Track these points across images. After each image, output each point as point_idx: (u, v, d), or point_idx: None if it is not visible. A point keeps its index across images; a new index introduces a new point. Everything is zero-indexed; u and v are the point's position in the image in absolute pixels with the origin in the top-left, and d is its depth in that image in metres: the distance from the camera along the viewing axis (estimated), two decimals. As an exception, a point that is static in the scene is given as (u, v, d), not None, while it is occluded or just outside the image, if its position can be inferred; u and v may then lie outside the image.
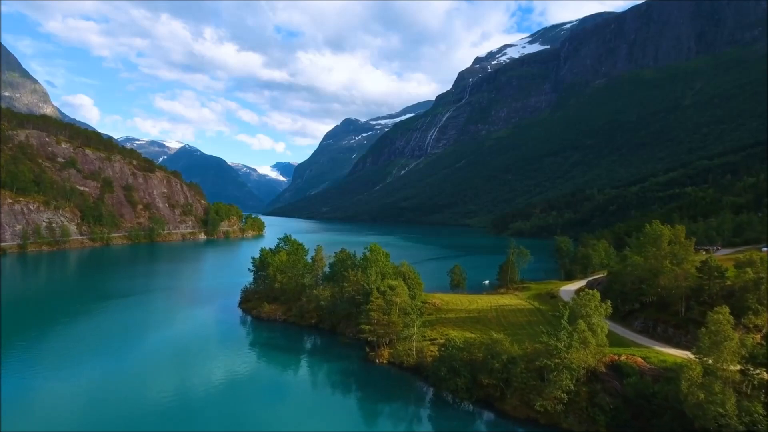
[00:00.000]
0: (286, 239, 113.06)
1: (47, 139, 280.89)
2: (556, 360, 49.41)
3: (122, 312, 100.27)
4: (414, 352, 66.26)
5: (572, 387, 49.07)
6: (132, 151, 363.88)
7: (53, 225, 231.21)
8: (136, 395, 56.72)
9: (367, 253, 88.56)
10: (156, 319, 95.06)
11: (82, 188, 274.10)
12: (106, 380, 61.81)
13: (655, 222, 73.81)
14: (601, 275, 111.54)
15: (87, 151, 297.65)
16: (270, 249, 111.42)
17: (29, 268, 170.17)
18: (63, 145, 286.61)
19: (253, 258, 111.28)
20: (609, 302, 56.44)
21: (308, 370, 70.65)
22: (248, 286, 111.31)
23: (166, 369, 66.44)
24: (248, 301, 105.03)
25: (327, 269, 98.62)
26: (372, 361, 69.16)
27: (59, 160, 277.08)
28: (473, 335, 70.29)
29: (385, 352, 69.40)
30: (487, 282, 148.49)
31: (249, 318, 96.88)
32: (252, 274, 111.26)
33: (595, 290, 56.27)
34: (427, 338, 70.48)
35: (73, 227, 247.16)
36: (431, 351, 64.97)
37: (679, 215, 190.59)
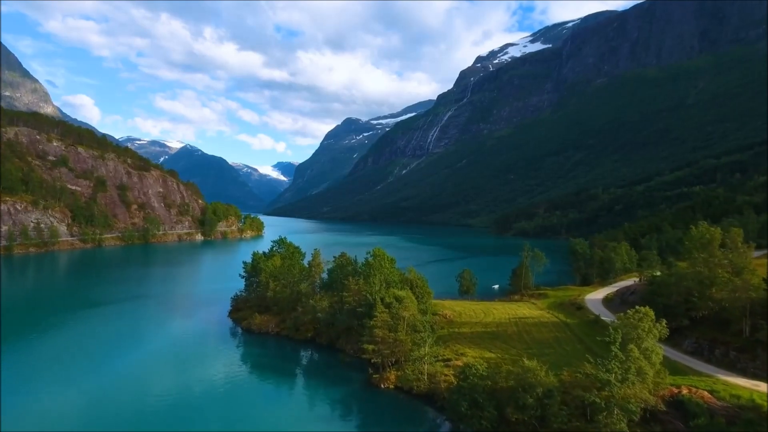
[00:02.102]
0: (280, 242, 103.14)
1: (38, 137, 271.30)
2: (606, 394, 40.11)
3: (99, 323, 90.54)
4: (425, 377, 56.67)
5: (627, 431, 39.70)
6: (127, 149, 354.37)
7: (41, 226, 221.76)
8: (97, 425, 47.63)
9: (370, 259, 78.60)
10: (135, 333, 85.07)
11: (73, 188, 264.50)
12: (68, 406, 52.73)
13: (702, 224, 64.62)
14: (628, 281, 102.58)
15: (80, 149, 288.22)
16: (263, 253, 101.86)
17: (10, 271, 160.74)
18: (54, 143, 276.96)
19: (244, 262, 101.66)
20: (664, 322, 47.19)
21: (303, 395, 61.02)
22: (239, 293, 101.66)
23: (136, 395, 56.98)
24: (239, 310, 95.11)
25: (325, 275, 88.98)
26: (376, 385, 59.39)
27: (50, 158, 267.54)
28: (493, 354, 61.07)
29: (392, 375, 59.65)
30: (496, 286, 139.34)
31: (239, 330, 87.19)
32: (243, 280, 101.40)
33: (647, 307, 46.95)
34: (440, 358, 60.96)
35: (63, 228, 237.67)
36: (445, 375, 55.58)
37: (703, 216, 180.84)
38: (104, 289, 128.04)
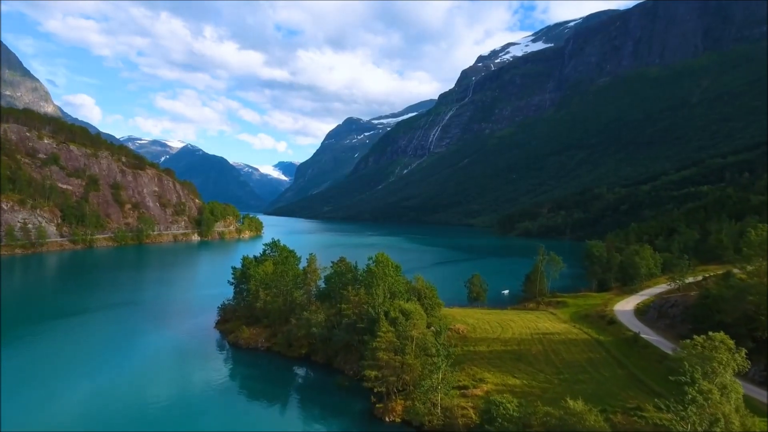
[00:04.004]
0: (273, 245, 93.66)
1: (28, 134, 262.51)
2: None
3: (67, 337, 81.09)
4: (439, 410, 47.42)
5: (712, 500, 30.65)
6: (121, 147, 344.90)
7: (29, 226, 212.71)
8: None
9: (372, 265, 68.84)
10: (106, 348, 75.43)
11: (64, 186, 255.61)
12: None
13: (762, 226, 55.67)
14: (656, 288, 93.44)
15: (72, 146, 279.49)
16: (255, 257, 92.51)
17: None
18: (45, 141, 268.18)
19: (233, 268, 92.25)
20: (744, 352, 38.10)
21: (295, 427, 51.65)
22: (226, 302, 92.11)
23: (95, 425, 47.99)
24: (226, 321, 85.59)
25: (321, 283, 79.44)
26: (380, 417, 49.85)
27: (40, 156, 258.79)
28: (517, 380, 51.90)
29: (398, 405, 50.22)
30: (506, 292, 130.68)
31: (226, 343, 77.90)
32: (232, 287, 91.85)
33: (722, 334, 37.99)
34: (455, 385, 51.34)
35: (52, 228, 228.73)
36: (463, 408, 46.53)
37: (726, 216, 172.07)
38: (84, 295, 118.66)
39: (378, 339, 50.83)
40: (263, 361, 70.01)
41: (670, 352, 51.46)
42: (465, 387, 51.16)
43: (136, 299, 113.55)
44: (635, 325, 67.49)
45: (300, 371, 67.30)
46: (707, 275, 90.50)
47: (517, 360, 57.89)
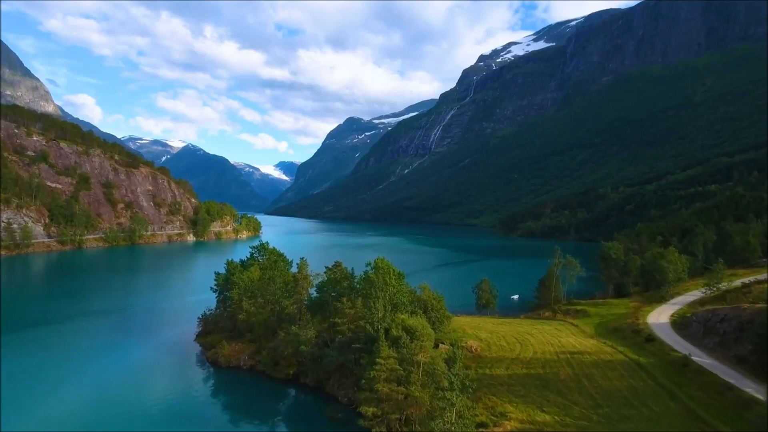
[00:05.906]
0: (261, 247, 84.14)
1: (16, 131, 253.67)
2: None
3: (25, 351, 71.79)
4: (453, 456, 38.25)
5: None
6: (114, 145, 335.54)
7: (13, 226, 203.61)
8: None
9: (371, 273, 58.52)
10: (68, 364, 65.99)
11: (54, 185, 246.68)
12: None
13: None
14: (687, 296, 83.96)
15: (62, 144, 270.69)
16: (240, 261, 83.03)
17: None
18: (34, 138, 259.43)
19: (216, 273, 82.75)
20: None
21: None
22: (207, 312, 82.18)
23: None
24: (207, 333, 76.20)
25: (314, 291, 69.81)
26: (380, 462, 41.07)
27: (28, 153, 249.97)
28: (547, 416, 42.46)
29: (402, 447, 41.26)
30: (516, 297, 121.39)
31: (205, 360, 68.39)
32: (215, 294, 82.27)
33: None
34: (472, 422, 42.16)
35: (39, 228, 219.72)
36: (483, 454, 37.47)
37: (736, 215, 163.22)
38: (59, 301, 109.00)
39: (377, 367, 41.44)
40: (245, 384, 60.17)
41: (732, 380, 42.37)
42: (484, 424, 41.53)
43: (115, 306, 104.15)
44: (679, 344, 57.80)
45: (286, 397, 57.41)
46: (745, 280, 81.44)
47: (544, 387, 48.28)
